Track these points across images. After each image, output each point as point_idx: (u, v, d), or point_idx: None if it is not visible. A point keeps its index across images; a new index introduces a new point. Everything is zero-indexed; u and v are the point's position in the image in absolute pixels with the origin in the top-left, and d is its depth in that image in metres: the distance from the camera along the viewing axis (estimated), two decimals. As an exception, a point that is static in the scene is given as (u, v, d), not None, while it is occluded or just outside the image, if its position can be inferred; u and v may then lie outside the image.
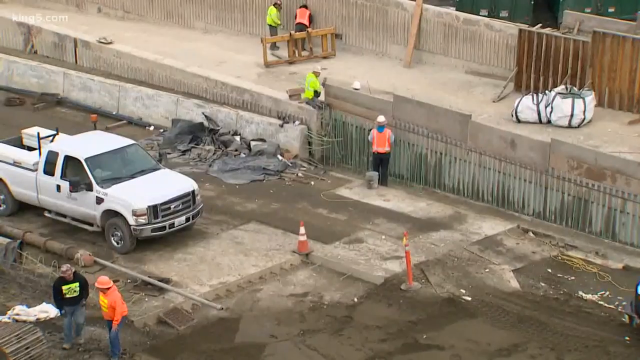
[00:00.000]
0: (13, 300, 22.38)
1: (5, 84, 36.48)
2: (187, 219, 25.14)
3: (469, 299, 22.78)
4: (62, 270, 20.65)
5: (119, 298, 20.16)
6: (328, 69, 34.74)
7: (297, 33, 35.61)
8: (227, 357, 20.71)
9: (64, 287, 20.42)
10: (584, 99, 29.46)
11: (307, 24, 36.17)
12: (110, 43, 36.47)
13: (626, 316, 21.69)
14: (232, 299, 22.87)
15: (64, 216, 25.65)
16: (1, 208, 26.69)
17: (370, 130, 28.77)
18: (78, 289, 20.48)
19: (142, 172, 25.51)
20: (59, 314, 20.96)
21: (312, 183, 29.09)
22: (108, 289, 20.00)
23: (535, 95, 30.03)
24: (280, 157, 30.06)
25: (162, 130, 32.45)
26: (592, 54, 30.65)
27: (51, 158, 25.46)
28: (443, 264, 24.18)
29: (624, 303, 22.28)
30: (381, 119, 28.38)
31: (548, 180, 26.39)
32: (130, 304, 22.04)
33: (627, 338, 21.19)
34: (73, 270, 20.60)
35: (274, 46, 36.22)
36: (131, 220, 24.29)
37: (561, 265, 24.49)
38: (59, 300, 20.60)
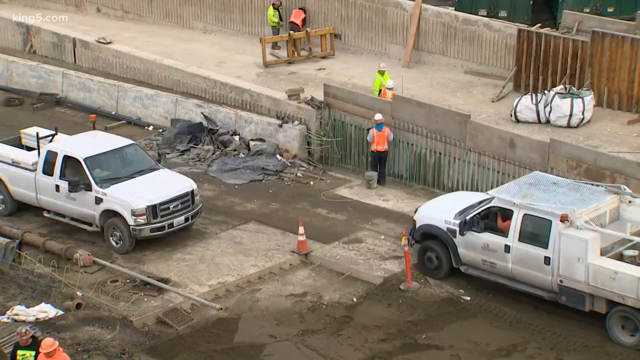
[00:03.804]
0: (12, 300, 22.35)
1: (5, 84, 36.44)
2: (186, 219, 25.13)
3: (468, 298, 22.76)
4: (18, 332, 17.78)
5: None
6: (327, 69, 34.76)
7: (297, 33, 35.62)
8: (226, 357, 20.69)
9: (18, 353, 17.78)
10: (582, 98, 29.46)
11: (299, 24, 36.17)
12: (109, 43, 36.45)
13: (407, 240, 23.43)
14: (232, 299, 22.85)
15: (63, 216, 25.64)
16: (0, 208, 26.70)
17: (369, 130, 28.76)
18: (33, 359, 17.67)
19: (141, 172, 25.51)
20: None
21: (312, 183, 29.06)
22: (55, 350, 17.42)
23: (534, 95, 30.01)
24: (279, 157, 30.03)
25: (161, 130, 32.42)
26: (591, 54, 30.65)
27: (50, 158, 25.44)
28: (442, 264, 24.18)
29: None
30: (379, 116, 28.34)
31: (547, 180, 26.35)
32: (129, 304, 22.11)
33: (627, 338, 21.21)
34: (31, 334, 17.87)
35: (275, 45, 36.23)
36: (130, 220, 24.28)
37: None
38: None
